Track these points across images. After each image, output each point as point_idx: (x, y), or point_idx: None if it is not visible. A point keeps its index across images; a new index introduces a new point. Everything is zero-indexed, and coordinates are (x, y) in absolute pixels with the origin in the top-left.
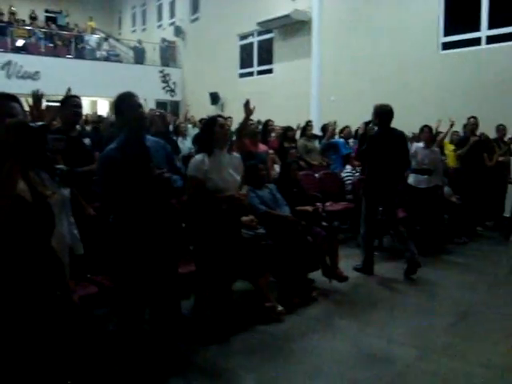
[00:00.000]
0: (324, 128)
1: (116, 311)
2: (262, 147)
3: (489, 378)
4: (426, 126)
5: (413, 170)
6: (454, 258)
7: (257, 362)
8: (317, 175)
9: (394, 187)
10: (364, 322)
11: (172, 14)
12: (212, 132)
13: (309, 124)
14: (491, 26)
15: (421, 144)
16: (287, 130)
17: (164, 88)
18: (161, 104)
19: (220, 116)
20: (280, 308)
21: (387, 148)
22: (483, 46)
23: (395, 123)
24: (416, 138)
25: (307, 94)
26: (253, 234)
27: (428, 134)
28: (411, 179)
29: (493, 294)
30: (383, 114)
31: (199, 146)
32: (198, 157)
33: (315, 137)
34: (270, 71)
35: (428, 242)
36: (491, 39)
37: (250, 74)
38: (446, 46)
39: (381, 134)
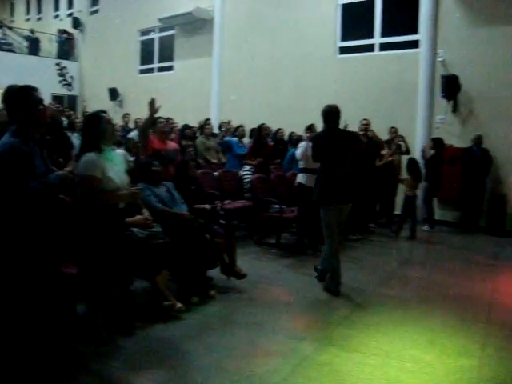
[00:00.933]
0: (220, 126)
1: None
2: (172, 144)
3: (378, 365)
4: (311, 125)
5: (301, 170)
6: (348, 254)
7: (154, 361)
8: (215, 173)
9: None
10: (262, 318)
11: (70, 5)
12: (100, 129)
13: (207, 122)
14: (384, 35)
15: (310, 143)
16: (185, 128)
17: (61, 82)
18: (57, 98)
19: (103, 111)
20: (179, 305)
21: (332, 146)
22: (376, 52)
23: (293, 124)
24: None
25: (207, 93)
26: (147, 233)
27: None
28: (302, 179)
29: (383, 287)
30: (325, 112)
31: (86, 143)
32: (91, 155)
33: (214, 135)
34: (170, 68)
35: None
36: (384, 46)
37: (151, 70)
38: (343, 50)
39: (324, 132)
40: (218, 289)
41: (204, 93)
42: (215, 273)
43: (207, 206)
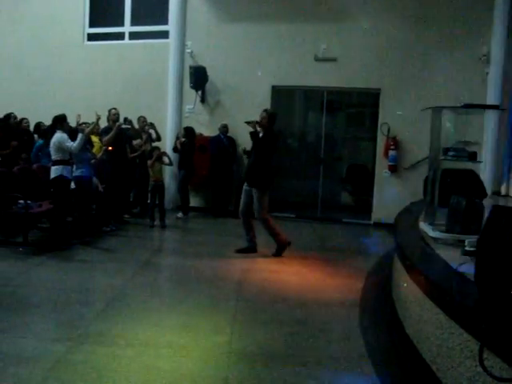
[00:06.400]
0: None
1: None
2: None
3: (135, 356)
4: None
5: (56, 162)
6: (102, 246)
7: None
8: None
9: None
10: (9, 324)
11: None
12: None
13: None
14: (134, 23)
15: (64, 134)
16: None
17: None
18: None
19: None
20: None
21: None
22: (127, 40)
23: (40, 113)
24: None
25: None
26: None
27: (67, 124)
28: (61, 171)
29: (137, 277)
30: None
31: None
32: None
33: None
34: None
35: (78, 232)
36: (134, 35)
37: None
38: (92, 37)
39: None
40: None
41: None
42: None
43: None
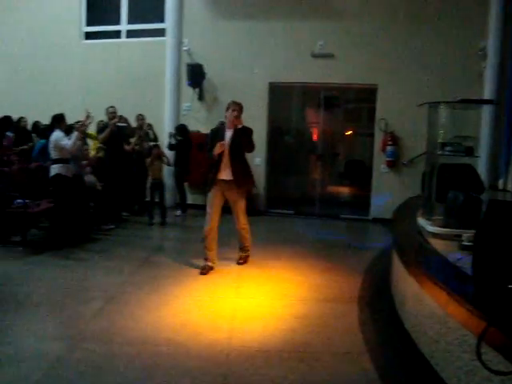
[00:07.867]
0: None
1: None
2: None
3: (135, 354)
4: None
5: (55, 160)
6: (101, 245)
7: None
8: None
9: None
10: (9, 321)
11: None
12: None
13: None
14: (131, 21)
15: (61, 133)
16: None
17: None
18: None
19: None
20: None
21: None
22: (123, 39)
23: (37, 112)
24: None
25: None
26: None
27: (64, 123)
28: (60, 169)
29: (136, 275)
30: None
31: None
32: None
33: None
34: None
35: (76, 231)
36: (131, 33)
37: None
38: (89, 35)
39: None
40: None
41: None
42: None
43: None
